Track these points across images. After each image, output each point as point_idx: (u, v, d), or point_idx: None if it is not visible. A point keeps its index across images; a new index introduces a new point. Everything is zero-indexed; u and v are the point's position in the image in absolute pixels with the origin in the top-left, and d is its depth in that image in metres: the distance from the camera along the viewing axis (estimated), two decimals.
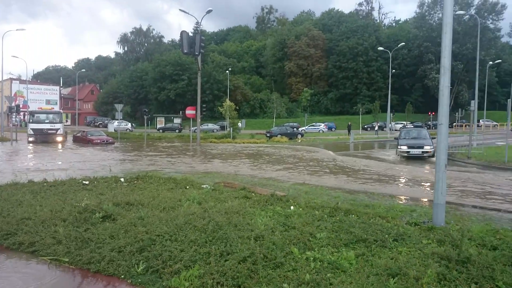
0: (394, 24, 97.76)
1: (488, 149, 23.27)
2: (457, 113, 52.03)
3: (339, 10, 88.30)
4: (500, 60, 63.01)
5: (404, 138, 21.34)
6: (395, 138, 23.36)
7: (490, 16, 66.75)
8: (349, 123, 47.82)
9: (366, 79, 73.08)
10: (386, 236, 5.28)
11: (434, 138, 19.94)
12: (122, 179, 10.42)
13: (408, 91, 73.85)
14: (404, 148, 20.08)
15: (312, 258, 4.44)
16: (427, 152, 19.65)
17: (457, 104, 61.67)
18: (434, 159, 18.29)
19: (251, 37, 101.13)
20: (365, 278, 3.90)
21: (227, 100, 45.17)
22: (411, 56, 72.18)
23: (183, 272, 4.11)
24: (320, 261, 4.37)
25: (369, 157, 21.68)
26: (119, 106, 35.77)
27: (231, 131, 38.92)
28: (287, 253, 4.62)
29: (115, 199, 7.39)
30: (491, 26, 67.03)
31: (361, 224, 5.83)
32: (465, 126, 56.41)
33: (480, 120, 52.71)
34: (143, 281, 4.11)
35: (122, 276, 4.26)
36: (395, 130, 50.94)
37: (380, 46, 59.93)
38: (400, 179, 13.50)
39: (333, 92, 75.86)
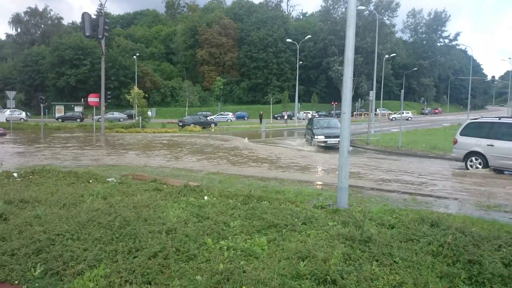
0: (301, 17, 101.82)
1: (384, 135, 25.57)
2: (357, 103, 56.26)
3: (249, 0, 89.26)
4: (394, 54, 69.39)
5: (319, 128, 21.18)
6: (308, 129, 23.32)
7: (387, 13, 73.05)
8: (261, 112, 48.97)
9: (276, 70, 75.30)
10: (296, 220, 5.46)
11: None
12: (15, 174, 9.37)
13: (313, 82, 77.83)
14: (321, 138, 20.07)
15: (225, 247, 4.41)
16: None
17: (357, 94, 66.66)
18: (357, 150, 19.39)
19: (160, 22, 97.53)
20: (276, 263, 3.97)
21: (135, 87, 43.07)
22: (316, 49, 75.95)
23: (87, 273, 3.81)
24: (233, 250, 4.36)
25: (282, 145, 22.43)
26: (11, 94, 32.03)
27: (140, 120, 37.34)
28: (201, 244, 4.54)
29: (7, 197, 6.63)
30: (387, 22, 73.42)
31: (273, 210, 5.95)
32: (364, 114, 61.24)
33: (377, 109, 57.59)
34: (40, 286, 3.73)
35: (16, 282, 3.82)
36: (303, 119, 53.40)
37: (289, 38, 62.03)
38: (312, 166, 14.17)
39: (245, 81, 76.86)
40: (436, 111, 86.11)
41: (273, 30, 75.23)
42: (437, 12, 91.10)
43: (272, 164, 14.30)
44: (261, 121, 43.23)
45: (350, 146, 20.08)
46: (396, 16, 75.13)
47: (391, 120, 55.42)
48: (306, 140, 22.82)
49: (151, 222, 5.25)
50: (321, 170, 13.26)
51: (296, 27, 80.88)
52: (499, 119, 13.03)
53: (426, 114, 79.34)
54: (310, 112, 60.32)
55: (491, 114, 71.51)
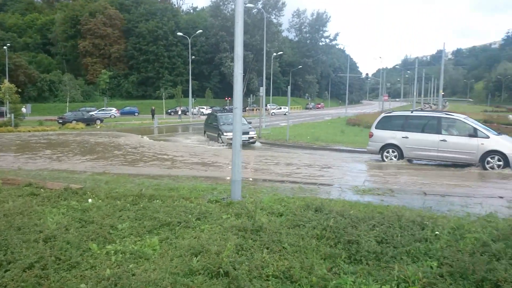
0: (192, 11, 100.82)
1: (274, 129, 26.78)
2: (249, 98, 57.93)
3: None
4: (282, 52, 73.00)
5: (226, 124, 19.78)
6: (210, 125, 22.04)
7: (274, 12, 76.28)
8: (153, 108, 47.36)
9: (168, 63, 73.51)
10: (190, 216, 5.39)
11: (250, 122, 21.01)
12: None
13: (207, 77, 77.92)
14: (231, 134, 19.29)
15: (113, 252, 4.15)
16: (253, 138, 19.14)
17: (249, 90, 68.66)
18: (257, 144, 19.51)
19: (35, 10, 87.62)
20: (169, 262, 3.88)
21: (6, 81, 38.08)
22: (208, 44, 76.05)
23: None
24: (122, 253, 4.13)
25: (177, 142, 21.99)
26: None
27: (13, 118, 33.17)
28: (85, 250, 4.20)
29: None
30: (275, 21, 76.75)
31: (166, 208, 5.79)
32: (256, 110, 63.34)
33: (268, 105, 59.99)
34: None
35: None
36: (195, 114, 53.06)
37: (180, 32, 60.95)
38: (212, 162, 14.14)
39: (135, 75, 73.48)
40: (319, 106, 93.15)
41: (163, 22, 73.13)
42: (319, 13, 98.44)
43: (166, 162, 13.95)
44: (153, 116, 41.84)
45: (259, 142, 19.84)
46: (283, 15, 79.14)
47: (271, 115, 58.12)
48: (208, 137, 21.91)
49: (26, 230, 4.68)
50: (220, 165, 13.34)
51: (187, 21, 79.82)
52: (412, 113, 14.16)
53: (310, 108, 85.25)
54: (205, 107, 60.31)
55: (365, 108, 79.82)
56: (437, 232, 4.82)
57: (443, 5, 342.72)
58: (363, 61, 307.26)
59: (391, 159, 13.19)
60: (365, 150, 14.53)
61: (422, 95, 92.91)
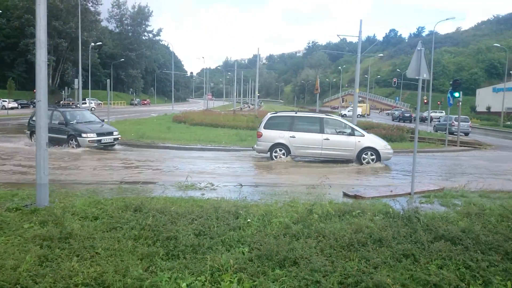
0: None
1: None
2: (64, 91, 52.12)
3: None
4: (101, 43, 68.02)
5: (79, 123, 16.18)
6: (54, 123, 15.87)
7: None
8: None
9: None
10: None
11: (103, 120, 18.16)
12: None
13: (9, 66, 66.62)
14: (93, 136, 15.49)
15: None
16: (117, 139, 16.58)
17: (64, 83, 61.62)
18: (119, 146, 16.71)
19: None
20: None
21: None
22: (11, 27, 65.20)
23: None
24: None
25: None
26: None
27: None
28: None
29: None
30: (92, 9, 70.89)
31: None
32: (72, 104, 57.53)
33: (86, 99, 55.15)
34: None
35: None
36: None
37: None
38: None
39: None
40: (145, 102, 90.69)
41: None
42: (140, 7, 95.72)
43: None
44: None
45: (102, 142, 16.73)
46: (101, 4, 73.91)
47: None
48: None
49: None
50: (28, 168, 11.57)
51: None
52: (296, 113, 14.68)
53: (136, 104, 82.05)
54: (7, 100, 51.32)
55: (191, 106, 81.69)
56: (249, 220, 5.25)
57: (257, 11, 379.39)
58: (188, 60, 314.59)
59: (279, 157, 13.54)
60: (198, 146, 14.67)
61: (242, 96, 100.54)
